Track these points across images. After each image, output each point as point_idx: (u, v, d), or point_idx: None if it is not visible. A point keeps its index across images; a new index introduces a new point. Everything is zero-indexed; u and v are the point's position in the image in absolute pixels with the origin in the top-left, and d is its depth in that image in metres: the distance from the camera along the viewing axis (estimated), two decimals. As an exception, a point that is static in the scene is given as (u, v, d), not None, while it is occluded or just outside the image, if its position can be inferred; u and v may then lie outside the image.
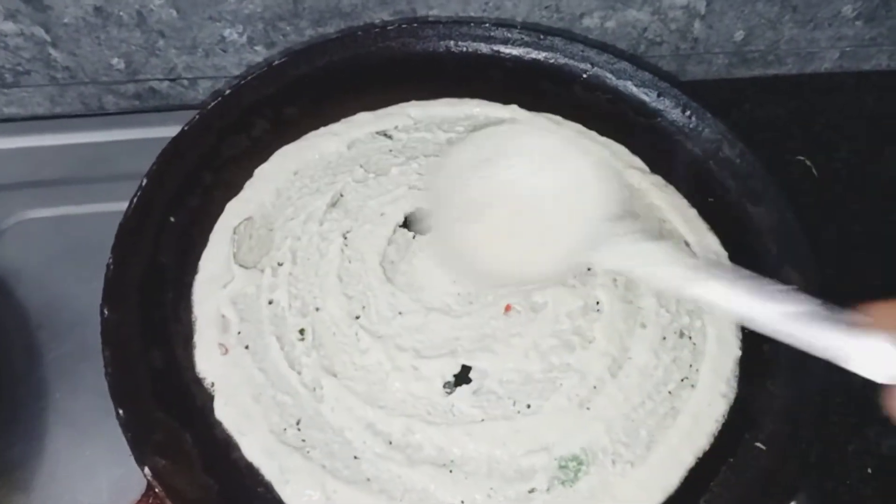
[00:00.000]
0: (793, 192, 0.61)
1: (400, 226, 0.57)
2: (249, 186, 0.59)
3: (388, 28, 0.67)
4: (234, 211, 0.57)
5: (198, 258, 0.55)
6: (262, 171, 0.60)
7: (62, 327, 0.58)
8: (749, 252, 0.59)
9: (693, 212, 0.60)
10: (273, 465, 0.47)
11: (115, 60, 0.69)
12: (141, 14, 0.66)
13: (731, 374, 0.52)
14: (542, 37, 0.68)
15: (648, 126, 0.66)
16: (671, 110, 0.65)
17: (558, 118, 0.64)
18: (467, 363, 0.51)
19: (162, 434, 0.47)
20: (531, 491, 0.47)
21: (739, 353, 0.53)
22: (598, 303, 0.54)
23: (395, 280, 0.54)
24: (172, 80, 0.72)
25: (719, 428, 0.51)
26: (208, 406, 0.49)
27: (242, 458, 0.48)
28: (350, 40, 0.67)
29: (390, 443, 0.48)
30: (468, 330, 0.53)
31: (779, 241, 0.59)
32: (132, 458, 0.45)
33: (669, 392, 0.51)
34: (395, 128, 0.63)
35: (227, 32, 0.69)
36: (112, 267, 0.52)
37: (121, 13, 0.65)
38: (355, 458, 0.48)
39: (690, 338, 0.54)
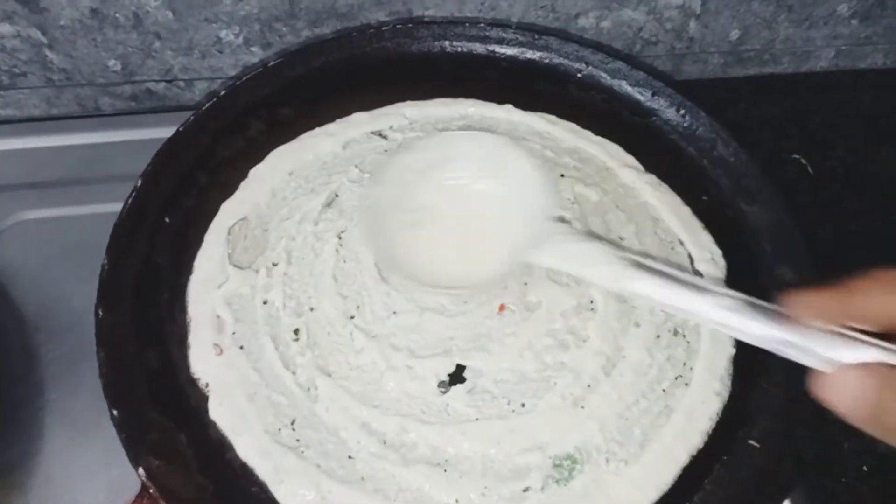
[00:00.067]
0: (789, 191, 0.61)
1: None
2: (244, 187, 0.59)
3: (384, 28, 0.67)
4: (229, 211, 0.57)
5: (192, 258, 0.55)
6: (257, 172, 0.60)
7: (59, 328, 0.58)
8: (744, 251, 0.59)
9: (687, 210, 0.60)
10: (268, 465, 0.47)
11: (111, 62, 0.70)
12: (137, 16, 0.66)
13: (725, 373, 0.52)
14: (536, 37, 0.68)
15: (643, 125, 0.66)
16: (666, 109, 0.65)
17: (553, 117, 0.64)
18: (462, 362, 0.51)
19: (156, 434, 0.47)
20: (526, 490, 0.47)
21: (733, 351, 0.53)
22: (592, 302, 0.54)
23: (389, 280, 0.54)
24: (169, 82, 0.73)
25: (713, 426, 0.50)
26: (203, 406, 0.49)
27: (237, 458, 0.48)
28: (345, 41, 0.67)
29: (385, 442, 0.48)
30: (463, 329, 0.52)
31: (774, 240, 0.59)
32: (127, 459, 0.45)
33: (663, 390, 0.51)
34: (391, 128, 0.63)
35: (223, 34, 0.69)
36: (107, 267, 0.52)
37: (117, 15, 0.65)
38: (350, 457, 0.48)
39: (684, 336, 0.54)
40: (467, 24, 0.69)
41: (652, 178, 0.62)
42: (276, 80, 0.65)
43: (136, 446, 0.45)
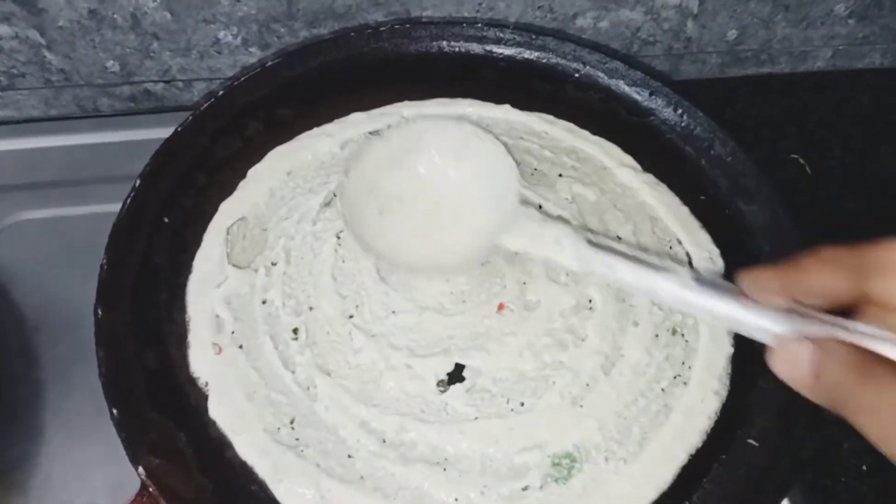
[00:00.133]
0: (787, 191, 0.61)
1: (393, 225, 0.57)
2: (243, 187, 0.59)
3: (381, 29, 0.67)
4: (228, 211, 0.57)
5: (191, 258, 0.55)
6: (255, 172, 0.60)
7: (58, 328, 0.58)
8: (742, 250, 0.59)
9: (685, 210, 0.60)
10: (267, 463, 0.47)
11: (109, 63, 0.70)
12: (135, 17, 0.66)
13: (723, 372, 0.52)
14: (534, 37, 0.68)
15: (641, 125, 0.66)
16: (663, 109, 0.65)
17: (551, 117, 0.64)
18: (461, 361, 0.51)
19: (156, 433, 0.47)
20: (525, 488, 0.47)
21: (732, 350, 0.53)
22: (590, 301, 0.54)
23: (388, 279, 0.54)
24: (167, 82, 0.73)
25: (712, 425, 0.51)
26: (202, 405, 0.49)
27: (236, 456, 0.48)
28: (343, 41, 0.67)
29: (384, 441, 0.48)
30: (461, 329, 0.53)
31: (772, 240, 0.59)
32: (126, 458, 0.45)
33: (662, 389, 0.51)
34: (388, 128, 0.63)
35: (221, 34, 0.69)
36: (106, 267, 0.52)
37: (115, 16, 0.65)
38: (349, 456, 0.48)
39: (683, 335, 0.54)
40: (465, 25, 0.69)
41: (650, 177, 0.62)
42: (275, 80, 0.65)
43: (136, 445, 0.45)
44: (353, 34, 0.67)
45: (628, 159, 0.63)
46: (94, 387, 0.47)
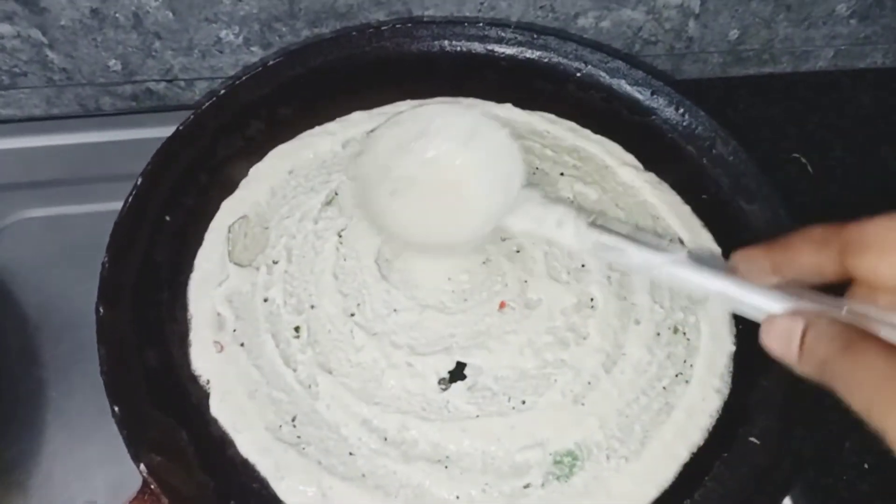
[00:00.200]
0: (788, 191, 0.61)
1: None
2: (244, 185, 0.59)
3: (383, 28, 0.68)
4: (229, 210, 0.57)
5: (193, 257, 0.55)
6: (257, 171, 0.60)
7: (59, 327, 0.58)
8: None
9: (687, 209, 0.60)
10: (268, 461, 0.47)
11: (111, 62, 0.70)
12: (137, 16, 0.66)
13: (724, 370, 0.53)
14: (535, 36, 0.68)
15: (642, 124, 0.66)
16: (665, 108, 0.65)
17: (552, 116, 0.64)
18: (462, 360, 0.51)
19: (157, 431, 0.47)
20: (526, 486, 0.47)
21: (733, 348, 0.53)
22: (592, 299, 0.54)
23: (390, 278, 0.55)
24: (169, 82, 0.73)
25: (713, 423, 0.51)
26: (204, 403, 0.49)
27: (238, 454, 0.48)
28: (344, 40, 0.67)
29: (385, 439, 0.48)
30: (463, 327, 0.53)
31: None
32: (128, 456, 0.45)
33: (664, 388, 0.51)
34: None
35: (223, 33, 0.69)
36: (107, 266, 0.52)
37: (117, 15, 0.66)
38: (351, 454, 0.48)
39: (685, 333, 0.54)
40: (466, 24, 0.69)
41: (651, 176, 0.62)
42: (276, 79, 0.65)
43: (138, 443, 0.45)
44: (354, 33, 0.67)
45: (630, 158, 0.63)
46: (95, 385, 0.47)
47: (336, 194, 0.59)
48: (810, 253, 0.37)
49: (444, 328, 0.53)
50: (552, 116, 0.65)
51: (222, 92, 0.62)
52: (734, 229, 0.60)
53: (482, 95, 0.65)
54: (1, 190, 0.65)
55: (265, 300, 0.53)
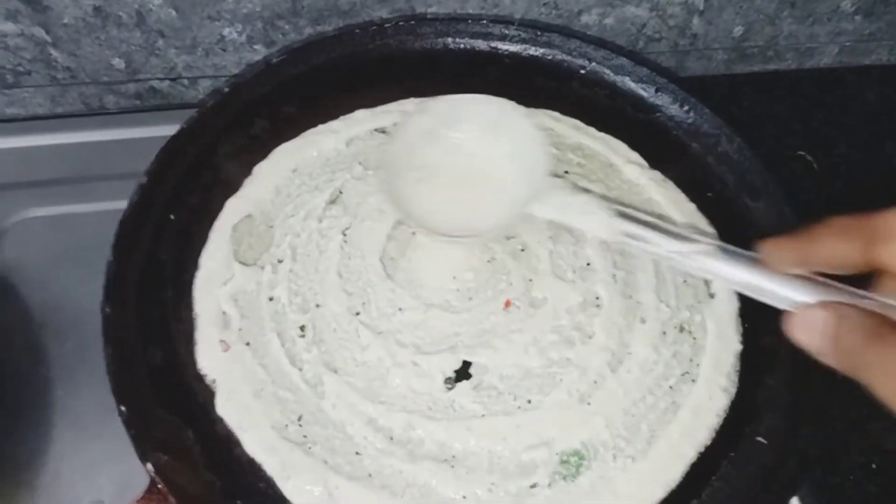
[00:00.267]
0: (793, 188, 0.61)
1: (399, 222, 0.57)
2: (249, 184, 0.59)
3: (386, 26, 0.67)
4: (234, 209, 0.57)
5: (198, 256, 0.55)
6: (261, 169, 0.60)
7: (65, 326, 0.58)
8: (748, 247, 0.58)
9: (692, 206, 0.60)
10: (274, 460, 0.47)
11: (115, 60, 0.69)
12: (140, 14, 0.66)
13: (731, 369, 0.52)
14: (539, 33, 0.68)
15: (647, 121, 0.65)
16: (669, 105, 0.65)
17: (556, 114, 0.64)
18: (468, 359, 0.51)
19: (164, 430, 0.47)
20: (532, 486, 0.47)
21: (740, 347, 0.53)
22: (597, 298, 0.54)
23: (395, 276, 0.55)
24: (173, 80, 0.73)
25: (720, 422, 0.51)
26: (209, 402, 0.49)
27: (244, 453, 0.48)
28: (348, 38, 0.67)
29: (391, 438, 0.48)
30: (468, 326, 0.53)
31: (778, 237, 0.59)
32: (135, 455, 0.45)
33: (670, 387, 0.51)
34: (394, 125, 0.63)
35: (226, 31, 0.69)
36: (113, 265, 0.52)
37: (120, 13, 0.65)
38: (357, 453, 0.48)
39: (691, 332, 0.54)
40: (470, 21, 0.69)
41: (656, 174, 0.62)
42: (280, 77, 0.64)
43: (144, 442, 0.45)
44: (357, 31, 0.67)
45: (634, 156, 0.63)
46: (101, 384, 0.47)
47: (340, 193, 0.59)
48: (836, 243, 0.37)
49: (450, 327, 0.53)
50: (556, 114, 0.65)
51: (226, 90, 0.62)
52: (739, 226, 0.60)
53: (486, 93, 0.64)
54: (5, 189, 0.65)
55: (270, 299, 0.53)
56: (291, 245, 0.56)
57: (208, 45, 0.70)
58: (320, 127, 0.63)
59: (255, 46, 0.71)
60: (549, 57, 0.69)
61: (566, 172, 0.60)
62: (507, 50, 0.69)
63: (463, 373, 0.51)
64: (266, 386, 0.50)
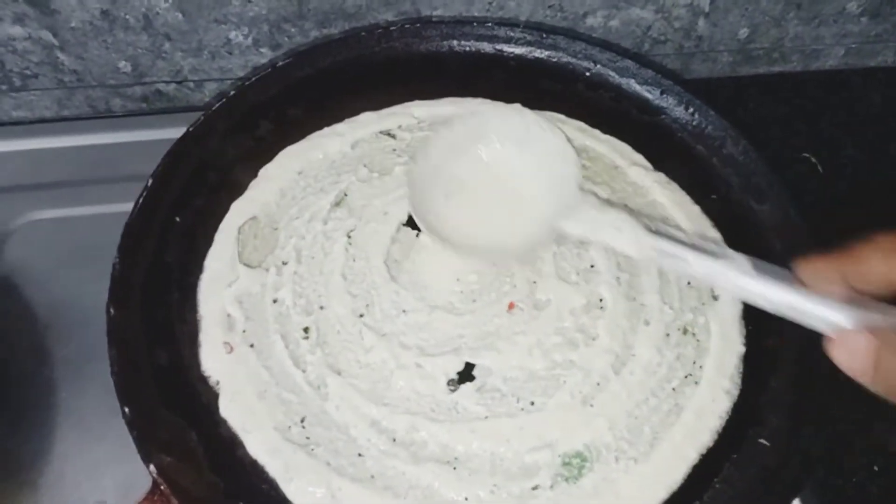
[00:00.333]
0: (798, 190, 0.61)
1: (403, 224, 0.57)
2: (254, 186, 0.59)
3: (392, 28, 0.67)
4: (239, 211, 0.58)
5: (203, 257, 0.55)
6: (266, 172, 0.60)
7: (70, 327, 0.59)
8: (753, 249, 0.58)
9: (697, 209, 0.60)
10: (278, 462, 0.47)
11: (121, 63, 0.70)
12: (147, 17, 0.66)
13: (734, 371, 0.52)
14: (544, 36, 0.68)
15: (652, 124, 0.65)
16: (674, 108, 0.65)
17: (562, 116, 0.64)
18: (471, 361, 0.51)
19: (167, 432, 0.47)
20: (535, 488, 0.47)
21: (743, 349, 0.53)
22: (601, 300, 0.54)
23: (398, 278, 0.55)
24: (179, 83, 0.73)
25: (723, 424, 0.50)
26: (213, 404, 0.49)
27: (247, 455, 0.48)
28: (353, 41, 0.67)
29: (394, 440, 0.48)
30: (472, 328, 0.53)
31: (783, 239, 0.59)
32: (138, 456, 0.45)
33: (673, 389, 0.51)
34: (399, 127, 0.63)
35: (232, 35, 0.69)
36: (118, 267, 0.52)
37: (127, 17, 0.66)
38: (360, 455, 0.48)
39: (694, 334, 0.54)
40: (475, 24, 0.69)
41: (661, 176, 0.62)
42: (285, 80, 0.65)
43: (148, 443, 0.46)
44: (363, 34, 0.67)
45: (639, 158, 0.63)
46: (105, 385, 0.47)
47: (345, 195, 0.59)
48: (879, 262, 0.37)
49: (453, 329, 0.53)
50: (561, 116, 0.64)
51: (232, 93, 0.62)
52: (744, 229, 0.60)
53: (491, 95, 0.65)
54: (12, 191, 0.65)
55: (275, 301, 0.54)
56: (296, 247, 0.56)
57: (214, 48, 0.70)
58: (326, 129, 0.63)
59: (261, 49, 0.71)
60: (555, 59, 0.69)
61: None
62: (512, 52, 0.69)
63: (466, 375, 0.51)
64: (270, 388, 0.50)
